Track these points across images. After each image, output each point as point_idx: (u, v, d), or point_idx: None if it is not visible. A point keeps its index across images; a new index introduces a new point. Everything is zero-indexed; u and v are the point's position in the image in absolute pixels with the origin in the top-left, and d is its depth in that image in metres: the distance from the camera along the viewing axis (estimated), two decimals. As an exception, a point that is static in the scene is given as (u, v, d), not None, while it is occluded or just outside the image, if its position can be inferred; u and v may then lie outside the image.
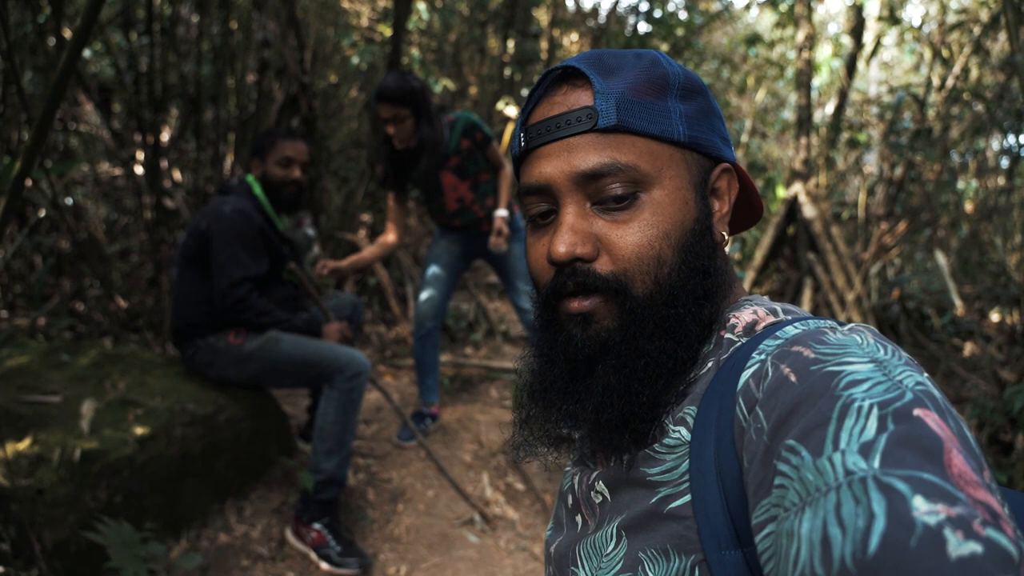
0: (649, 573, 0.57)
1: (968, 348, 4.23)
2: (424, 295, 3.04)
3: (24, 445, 1.92)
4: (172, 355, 2.87)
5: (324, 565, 2.23)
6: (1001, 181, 5.67)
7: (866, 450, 0.41)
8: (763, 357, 0.55)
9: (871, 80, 8.38)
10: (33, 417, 2.07)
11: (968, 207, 5.78)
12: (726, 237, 0.68)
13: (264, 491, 2.58)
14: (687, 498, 0.56)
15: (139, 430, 2.15)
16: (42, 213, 3.53)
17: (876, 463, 0.40)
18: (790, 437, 0.46)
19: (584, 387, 0.64)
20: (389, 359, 4.02)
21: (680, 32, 7.35)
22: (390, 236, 2.94)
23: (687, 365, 0.63)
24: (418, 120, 2.69)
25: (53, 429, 2.03)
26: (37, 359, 2.50)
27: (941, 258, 4.25)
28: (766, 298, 0.68)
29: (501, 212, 2.80)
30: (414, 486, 2.78)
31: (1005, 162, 5.87)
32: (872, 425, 0.42)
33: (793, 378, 0.50)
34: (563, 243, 0.62)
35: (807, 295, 4.24)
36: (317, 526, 2.29)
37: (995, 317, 4.46)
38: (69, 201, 3.47)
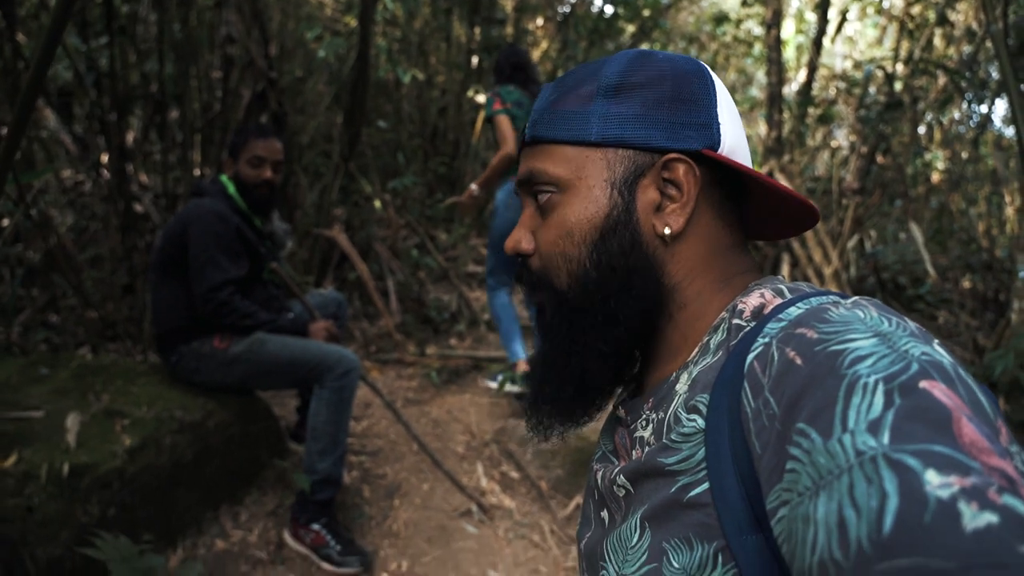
0: (674, 563, 0.57)
1: (941, 316, 4.32)
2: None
3: (10, 463, 1.86)
4: (154, 362, 2.81)
5: (326, 565, 2.21)
6: (967, 152, 5.78)
7: (874, 427, 0.41)
8: (767, 340, 0.55)
9: (835, 55, 8.46)
10: (16, 434, 2.01)
11: (935, 178, 5.89)
12: (671, 229, 0.66)
13: (258, 495, 2.54)
14: (705, 486, 0.56)
15: (127, 441, 2.10)
16: (5, 223, 3.41)
17: (885, 440, 0.40)
18: (800, 420, 0.46)
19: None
20: (374, 354, 3.99)
21: (646, 13, 7.34)
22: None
23: (616, 351, 0.68)
24: None
25: (38, 445, 1.97)
26: (15, 374, 2.43)
27: (916, 229, 4.33)
28: (780, 278, 0.68)
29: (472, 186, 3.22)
30: (409, 480, 2.77)
31: (970, 129, 5.98)
32: (879, 401, 0.42)
33: (799, 361, 0.49)
34: (511, 239, 0.72)
35: (785, 271, 4.29)
36: (315, 527, 2.27)
37: (967, 284, 4.56)
38: (33, 211, 3.36)
